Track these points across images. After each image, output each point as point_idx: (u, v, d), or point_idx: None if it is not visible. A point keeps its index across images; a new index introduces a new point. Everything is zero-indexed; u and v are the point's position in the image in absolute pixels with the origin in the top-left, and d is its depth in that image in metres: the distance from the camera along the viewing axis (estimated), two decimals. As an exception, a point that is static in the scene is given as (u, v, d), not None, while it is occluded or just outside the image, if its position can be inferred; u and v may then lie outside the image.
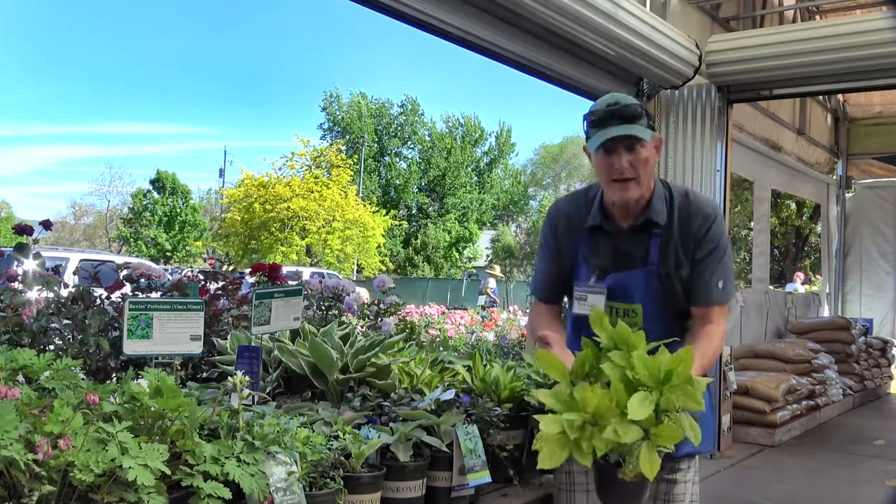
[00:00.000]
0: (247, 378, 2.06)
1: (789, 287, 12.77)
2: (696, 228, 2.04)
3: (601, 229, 2.09)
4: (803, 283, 13.64)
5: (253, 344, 2.60)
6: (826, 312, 9.20)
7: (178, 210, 39.36)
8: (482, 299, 16.17)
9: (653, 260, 2.03)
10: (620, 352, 1.65)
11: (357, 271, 30.61)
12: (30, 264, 2.69)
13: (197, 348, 2.42)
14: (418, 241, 41.72)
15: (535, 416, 1.69)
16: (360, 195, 33.68)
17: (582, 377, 1.69)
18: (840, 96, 8.98)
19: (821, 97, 8.51)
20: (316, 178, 28.65)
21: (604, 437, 1.57)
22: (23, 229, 2.72)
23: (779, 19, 7.21)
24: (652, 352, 1.67)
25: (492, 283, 17.05)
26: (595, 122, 1.99)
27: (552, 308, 2.23)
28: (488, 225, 46.69)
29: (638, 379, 1.60)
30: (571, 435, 1.60)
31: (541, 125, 76.45)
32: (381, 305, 3.91)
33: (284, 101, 69.09)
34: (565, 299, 2.28)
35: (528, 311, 6.81)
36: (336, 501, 2.09)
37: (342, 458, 2.20)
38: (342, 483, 2.11)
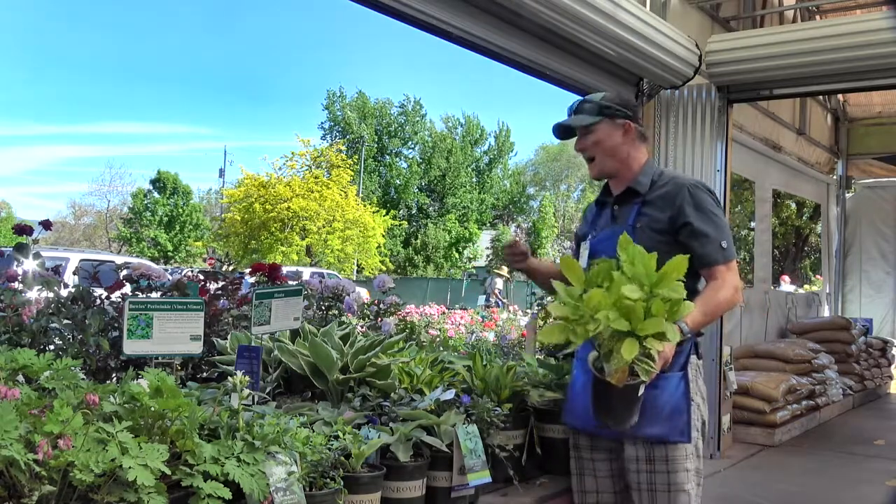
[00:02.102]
0: (247, 378, 2.05)
1: (781, 289, 12.81)
2: (674, 195, 2.32)
3: (601, 203, 2.53)
4: (791, 284, 13.77)
5: (253, 344, 2.60)
6: (826, 312, 9.19)
7: (180, 210, 39.32)
8: (482, 299, 16.12)
9: (630, 221, 2.35)
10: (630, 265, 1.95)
11: (357, 271, 30.61)
12: (30, 264, 2.68)
13: (197, 348, 2.42)
14: (418, 241, 41.72)
15: (548, 307, 2.18)
16: (361, 195, 33.68)
17: (595, 285, 1.96)
18: (840, 96, 8.98)
19: (821, 97, 8.51)
20: (316, 178, 28.63)
21: (598, 316, 1.87)
22: (23, 229, 2.72)
23: (779, 19, 7.21)
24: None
25: (499, 283, 17.01)
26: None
27: None
28: (488, 225, 46.66)
29: (635, 275, 1.92)
30: (572, 316, 1.92)
31: (541, 125, 76.41)
32: (381, 305, 3.90)
33: (284, 100, 69.17)
34: None
35: (528, 311, 6.80)
36: (336, 501, 2.09)
37: (342, 458, 2.20)
38: (342, 483, 2.11)
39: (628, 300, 1.87)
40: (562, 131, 2.47)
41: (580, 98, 2.47)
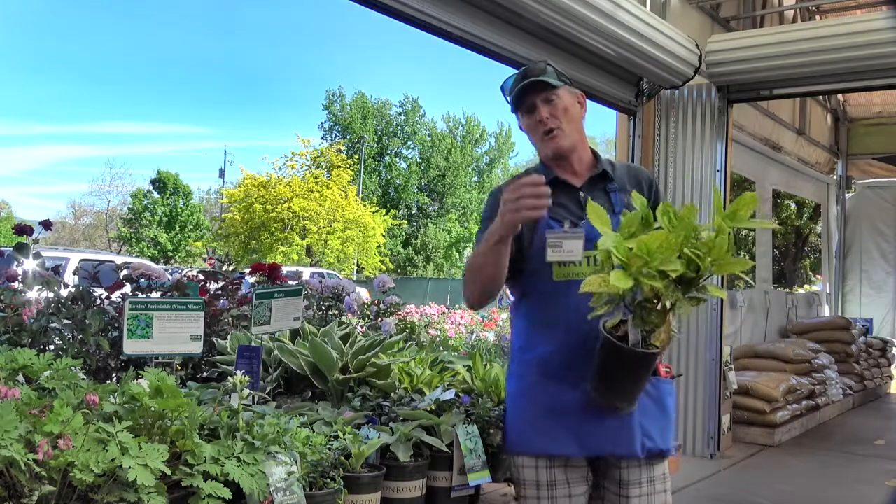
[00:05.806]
0: (247, 378, 2.05)
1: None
2: (647, 182, 2.11)
3: (560, 182, 2.02)
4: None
5: (253, 344, 2.60)
6: (826, 312, 9.20)
7: (180, 210, 39.32)
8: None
9: (619, 209, 1.98)
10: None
11: (357, 271, 30.61)
12: (30, 264, 2.69)
13: (197, 348, 2.42)
14: (418, 241, 41.74)
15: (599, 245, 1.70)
16: (361, 195, 33.69)
17: (626, 237, 1.68)
18: (840, 96, 8.99)
19: (821, 97, 8.52)
20: (316, 178, 28.66)
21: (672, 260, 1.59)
22: (23, 229, 2.72)
23: (779, 19, 7.21)
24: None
25: None
26: (511, 90, 2.08)
27: None
28: (488, 225, 46.63)
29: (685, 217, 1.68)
30: (632, 264, 1.61)
31: (540, 125, 76.32)
32: (381, 305, 3.90)
33: (284, 100, 69.07)
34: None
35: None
36: (336, 501, 2.09)
37: (342, 458, 2.20)
38: (342, 483, 2.11)
39: (697, 240, 1.62)
40: (523, 93, 2.04)
41: (534, 63, 2.12)
